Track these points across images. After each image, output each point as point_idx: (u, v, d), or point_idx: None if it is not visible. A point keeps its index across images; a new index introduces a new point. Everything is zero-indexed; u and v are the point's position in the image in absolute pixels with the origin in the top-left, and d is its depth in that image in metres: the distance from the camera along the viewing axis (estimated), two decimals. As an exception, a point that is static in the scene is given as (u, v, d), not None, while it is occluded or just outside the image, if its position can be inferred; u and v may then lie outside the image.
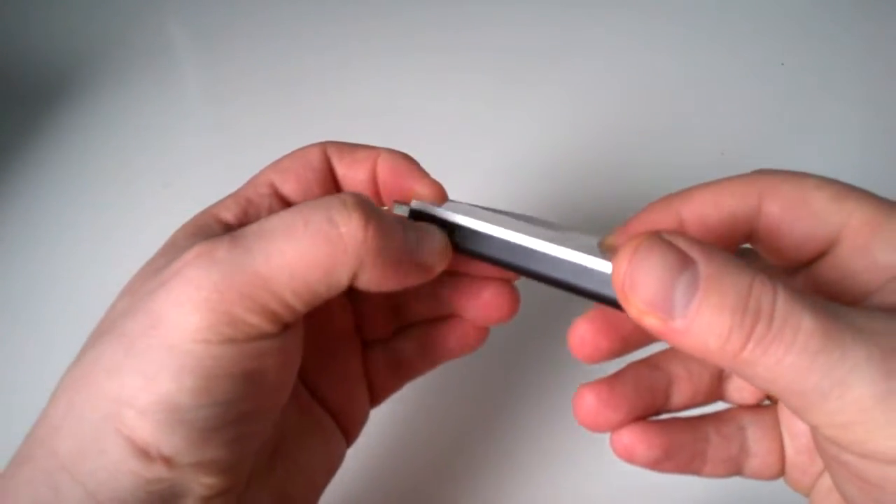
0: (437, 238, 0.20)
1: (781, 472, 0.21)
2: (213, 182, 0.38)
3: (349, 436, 0.23)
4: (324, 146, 0.22)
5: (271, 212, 0.20)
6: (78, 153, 0.40)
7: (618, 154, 0.39)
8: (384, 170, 0.21)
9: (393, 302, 0.24)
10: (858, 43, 0.46)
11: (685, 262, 0.15)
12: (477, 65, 0.45)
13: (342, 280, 0.17)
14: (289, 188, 0.21)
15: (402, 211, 0.21)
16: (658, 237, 0.15)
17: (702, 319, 0.15)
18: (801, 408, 0.15)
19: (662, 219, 0.19)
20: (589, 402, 0.20)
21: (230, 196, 0.21)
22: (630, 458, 0.20)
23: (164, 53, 0.46)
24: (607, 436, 0.20)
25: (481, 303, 0.22)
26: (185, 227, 0.20)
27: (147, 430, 0.16)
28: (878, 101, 0.42)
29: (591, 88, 0.43)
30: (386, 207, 0.22)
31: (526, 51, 0.46)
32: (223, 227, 0.20)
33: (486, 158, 0.39)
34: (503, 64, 0.45)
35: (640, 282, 0.15)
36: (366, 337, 0.24)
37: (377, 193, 0.22)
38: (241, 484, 0.18)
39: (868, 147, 0.41)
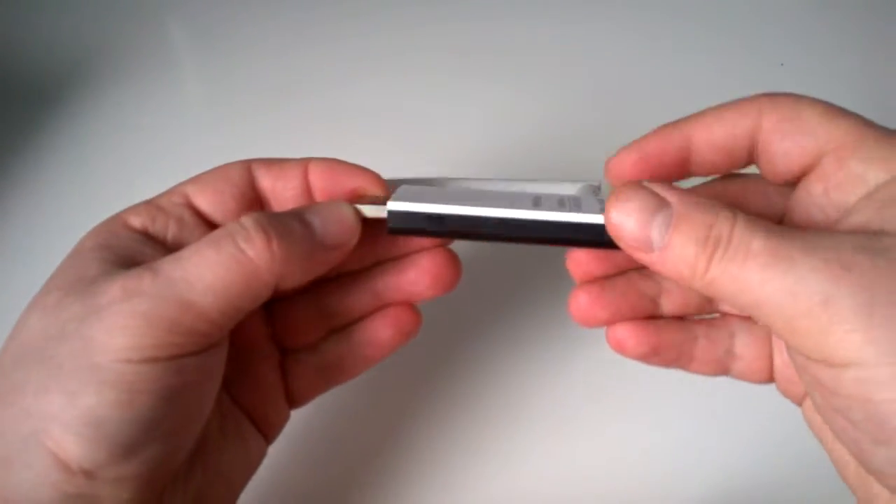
0: (340, 212, 0.20)
1: (770, 378, 0.22)
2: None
3: (268, 437, 0.23)
4: (248, 162, 0.22)
5: (181, 223, 0.21)
6: (78, 153, 0.40)
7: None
8: (317, 176, 0.22)
9: (321, 307, 0.23)
10: (858, 43, 0.46)
11: (661, 203, 0.18)
12: (478, 65, 0.45)
13: (263, 292, 0.19)
14: (203, 200, 0.21)
15: (373, 212, 0.21)
16: (638, 184, 0.18)
17: (674, 250, 0.17)
18: (763, 318, 0.17)
19: (673, 139, 0.20)
20: (582, 300, 0.22)
21: (142, 202, 0.21)
22: (621, 351, 0.22)
23: (164, 53, 0.46)
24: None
25: (420, 272, 0.23)
26: (92, 233, 0.21)
27: (71, 445, 0.17)
28: (879, 102, 0.42)
29: (591, 88, 0.43)
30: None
31: (526, 51, 0.46)
32: (130, 233, 0.20)
33: (486, 162, 0.39)
34: (508, 64, 0.45)
35: (624, 223, 0.18)
36: (287, 345, 0.24)
37: (311, 201, 0.22)
38: (156, 497, 0.19)
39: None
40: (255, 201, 0.22)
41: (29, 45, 0.46)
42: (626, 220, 0.18)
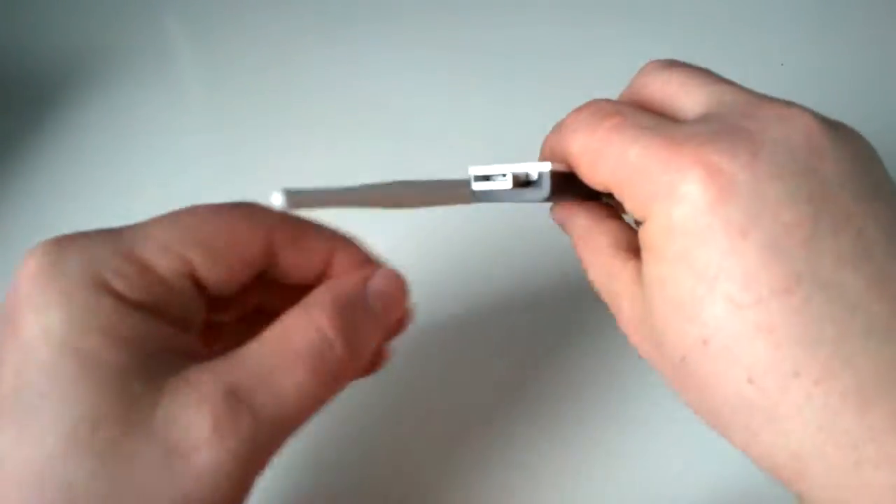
0: (402, 301, 0.21)
1: None
2: (213, 182, 0.38)
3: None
4: (267, 233, 0.19)
5: (182, 298, 0.18)
6: (78, 153, 0.40)
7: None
8: (342, 266, 0.21)
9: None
10: (858, 43, 0.46)
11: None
12: (478, 65, 0.45)
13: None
14: (210, 276, 0.18)
15: None
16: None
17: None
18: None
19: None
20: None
21: (119, 254, 0.17)
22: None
23: (164, 53, 0.46)
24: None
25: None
26: (54, 306, 0.16)
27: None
28: (879, 102, 0.42)
29: (590, 88, 0.43)
30: None
31: (527, 51, 0.46)
32: (111, 298, 0.17)
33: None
34: (508, 64, 0.45)
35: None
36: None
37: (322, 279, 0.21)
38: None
39: (868, 147, 0.41)
40: (263, 272, 0.20)
41: (29, 45, 0.46)
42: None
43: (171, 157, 0.39)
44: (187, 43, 0.47)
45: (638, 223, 0.19)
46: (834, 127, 0.17)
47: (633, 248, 0.20)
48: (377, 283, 0.20)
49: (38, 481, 0.15)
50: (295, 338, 0.18)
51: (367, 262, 0.21)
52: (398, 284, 0.21)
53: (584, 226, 0.22)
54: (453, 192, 0.21)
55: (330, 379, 0.18)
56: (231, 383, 0.17)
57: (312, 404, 0.18)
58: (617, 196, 0.19)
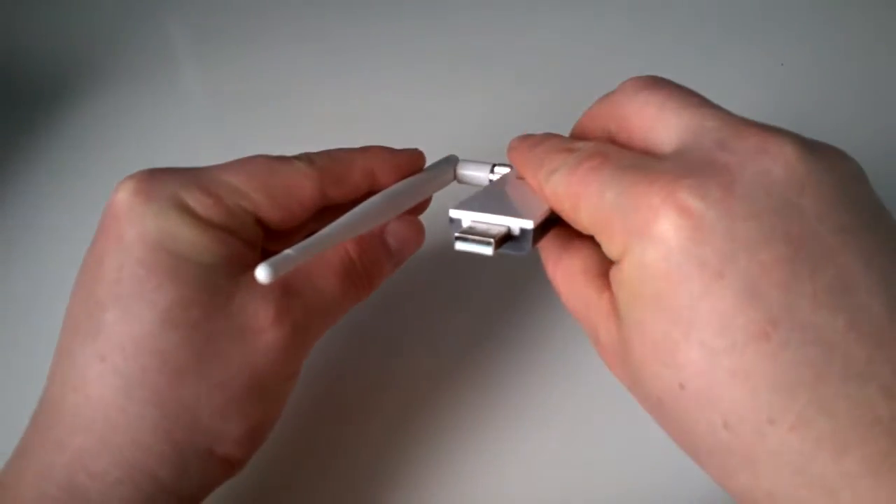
0: (418, 237, 0.25)
1: None
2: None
3: None
4: (318, 177, 0.23)
5: (245, 230, 0.21)
6: (78, 153, 0.40)
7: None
8: (385, 177, 0.25)
9: None
10: (858, 43, 0.46)
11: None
12: (478, 65, 0.45)
13: None
14: (273, 218, 0.22)
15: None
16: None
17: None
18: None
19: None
20: None
21: (199, 187, 0.21)
22: None
23: (164, 53, 0.46)
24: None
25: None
26: (156, 218, 0.20)
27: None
28: (879, 102, 0.42)
29: (590, 89, 0.43)
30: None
31: (527, 51, 0.46)
32: (193, 217, 0.20)
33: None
34: (509, 64, 0.45)
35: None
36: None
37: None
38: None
39: (869, 146, 0.41)
40: (316, 212, 0.23)
41: (29, 45, 0.46)
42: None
43: (171, 157, 0.39)
44: (187, 43, 0.47)
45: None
46: (816, 153, 0.16)
47: (605, 275, 0.20)
48: (396, 226, 0.24)
49: (137, 348, 0.19)
50: (329, 252, 0.22)
51: (399, 163, 0.25)
52: (413, 230, 0.25)
53: (554, 248, 0.21)
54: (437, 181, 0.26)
55: (352, 289, 0.23)
56: (286, 281, 0.21)
57: (342, 304, 0.23)
58: (598, 239, 0.18)
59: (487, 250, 0.19)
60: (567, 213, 0.19)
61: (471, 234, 0.20)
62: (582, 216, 0.19)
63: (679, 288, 0.16)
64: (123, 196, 0.21)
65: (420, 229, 0.25)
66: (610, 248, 0.18)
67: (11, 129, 0.41)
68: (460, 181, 0.27)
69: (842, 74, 0.44)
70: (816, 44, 0.46)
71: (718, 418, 0.16)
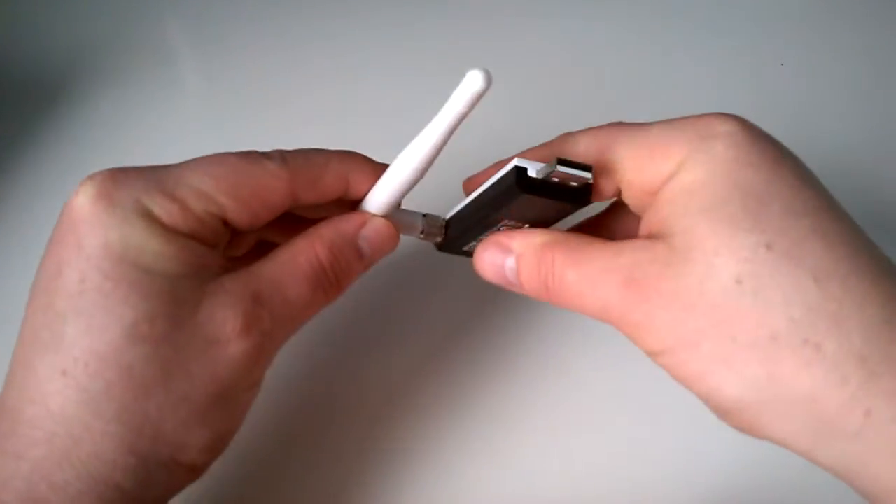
0: (390, 241, 0.24)
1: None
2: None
3: None
4: (289, 181, 0.22)
5: (211, 233, 0.21)
6: (78, 153, 0.40)
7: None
8: (358, 184, 0.24)
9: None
10: (858, 43, 0.46)
11: (506, 252, 0.22)
12: (478, 65, 0.45)
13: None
14: (238, 219, 0.21)
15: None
16: (490, 240, 0.23)
17: (526, 285, 0.22)
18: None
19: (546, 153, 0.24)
20: None
21: (162, 192, 0.20)
22: None
23: (163, 53, 0.46)
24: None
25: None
26: (110, 225, 0.19)
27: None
28: (879, 102, 0.42)
29: (589, 89, 0.43)
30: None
31: (527, 51, 0.46)
32: (157, 225, 0.20)
33: (487, 161, 0.39)
34: (509, 64, 0.45)
35: (486, 273, 0.23)
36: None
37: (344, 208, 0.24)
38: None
39: (869, 146, 0.41)
40: (284, 215, 0.23)
41: (28, 45, 0.46)
42: (485, 271, 0.23)
43: (171, 157, 0.39)
44: (187, 42, 0.47)
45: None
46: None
47: (620, 268, 0.20)
48: (369, 230, 0.24)
49: (102, 363, 0.18)
50: (300, 259, 0.22)
51: (376, 173, 0.24)
52: (386, 234, 0.24)
53: (567, 257, 0.22)
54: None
55: (322, 294, 0.22)
56: (255, 290, 0.21)
57: (310, 310, 0.22)
58: (633, 176, 0.21)
59: (587, 175, 0.20)
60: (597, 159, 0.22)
61: (568, 165, 0.21)
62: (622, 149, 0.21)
63: (747, 170, 0.19)
64: (83, 200, 0.20)
65: (393, 234, 0.24)
66: (661, 168, 0.20)
67: (11, 128, 0.41)
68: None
69: (842, 74, 0.44)
70: (816, 44, 0.46)
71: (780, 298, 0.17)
